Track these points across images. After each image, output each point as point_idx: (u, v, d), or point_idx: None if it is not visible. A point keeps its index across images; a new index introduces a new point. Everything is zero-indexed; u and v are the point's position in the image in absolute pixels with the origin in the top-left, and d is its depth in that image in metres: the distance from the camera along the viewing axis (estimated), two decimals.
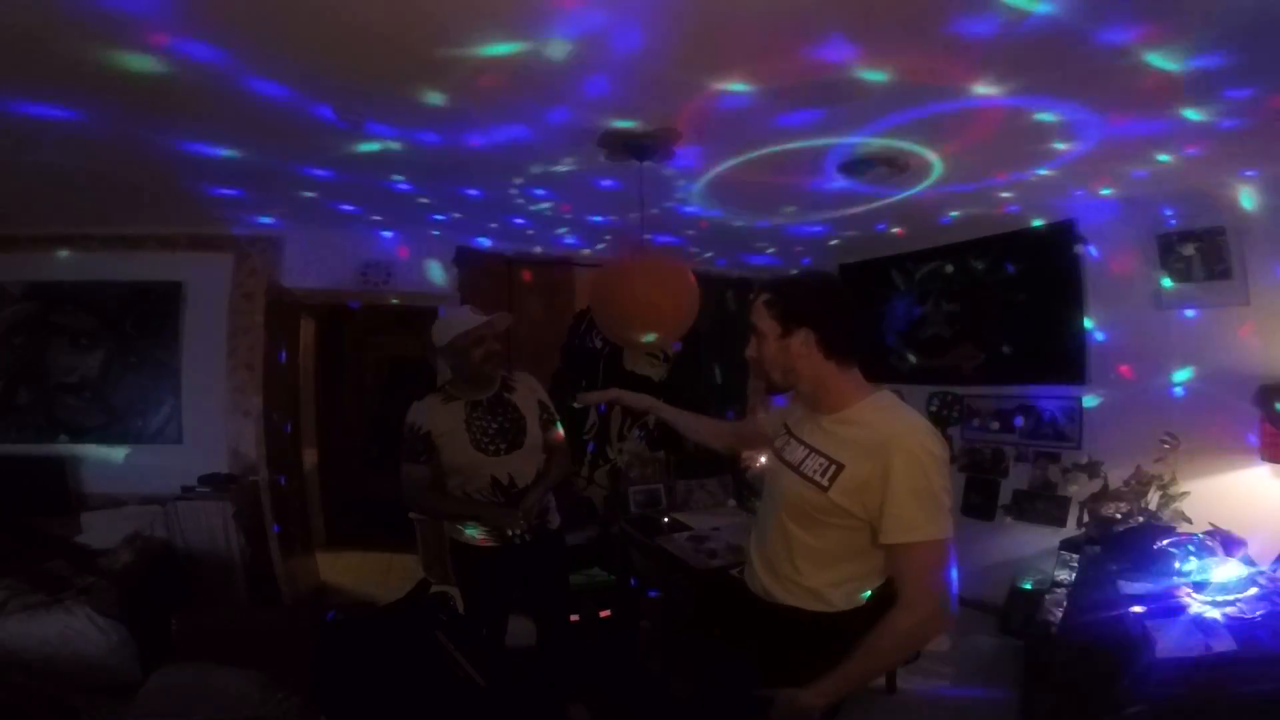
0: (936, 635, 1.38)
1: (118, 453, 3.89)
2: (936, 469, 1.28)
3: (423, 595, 2.54)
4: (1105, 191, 3.26)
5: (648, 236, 3.29)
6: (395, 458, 2.41)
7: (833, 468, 1.36)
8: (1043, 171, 2.95)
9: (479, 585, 2.47)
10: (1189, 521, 2.87)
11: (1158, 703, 1.77)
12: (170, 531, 3.55)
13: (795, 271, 1.59)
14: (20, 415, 3.82)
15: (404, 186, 3.19)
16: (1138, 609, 2.15)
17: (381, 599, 3.78)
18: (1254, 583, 2.25)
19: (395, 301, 4.47)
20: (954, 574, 1.30)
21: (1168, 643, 1.93)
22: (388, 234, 4.25)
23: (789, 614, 1.45)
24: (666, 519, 3.83)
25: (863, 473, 1.31)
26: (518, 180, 3.10)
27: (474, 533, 2.42)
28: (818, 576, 1.42)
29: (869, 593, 1.44)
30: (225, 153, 2.64)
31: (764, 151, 2.66)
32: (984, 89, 2.08)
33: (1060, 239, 3.69)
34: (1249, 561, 2.48)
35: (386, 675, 2.20)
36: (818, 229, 4.24)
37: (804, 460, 1.43)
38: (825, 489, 1.35)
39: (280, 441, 3.93)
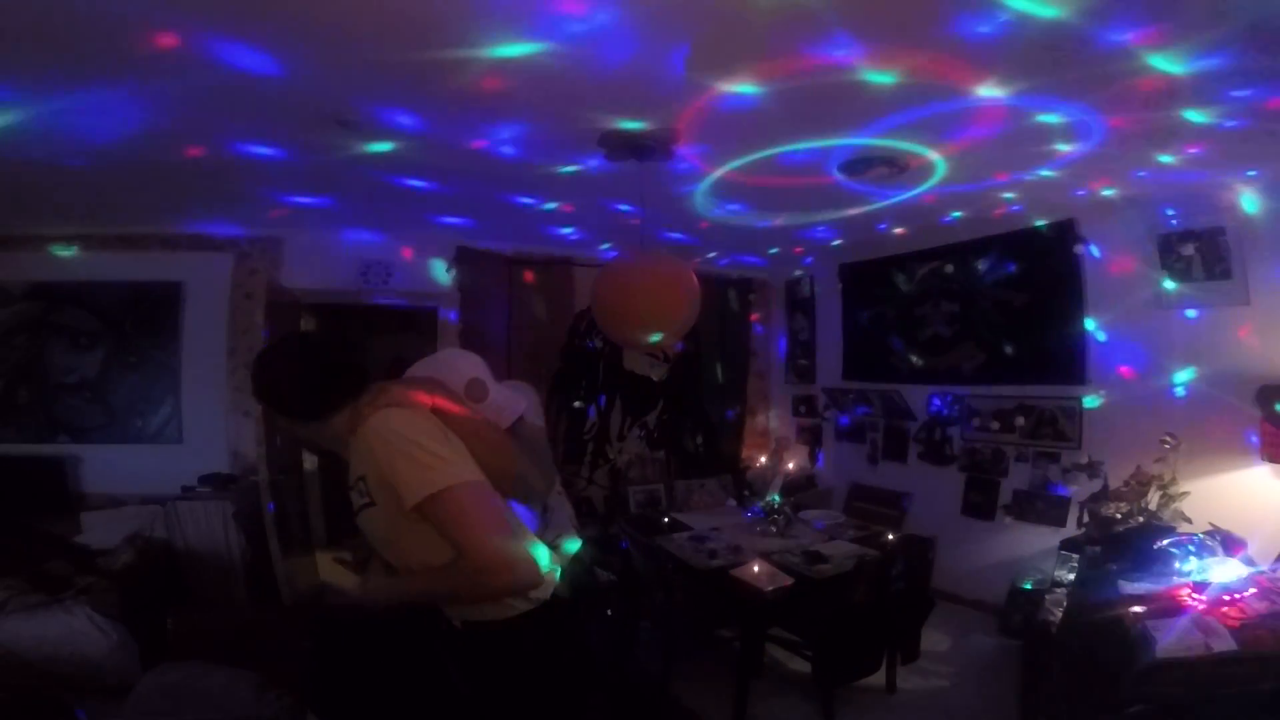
0: (511, 582, 1.34)
1: (118, 453, 3.88)
2: (409, 434, 1.32)
3: None
4: (1106, 191, 3.26)
5: (649, 236, 3.28)
6: None
7: (361, 482, 1.37)
8: (1044, 172, 2.95)
9: None
10: (1189, 521, 2.86)
11: (1158, 703, 1.77)
12: (170, 531, 3.55)
13: (255, 358, 1.49)
14: (20, 415, 3.82)
15: (405, 186, 3.18)
16: (1138, 609, 2.15)
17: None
18: (1254, 583, 2.25)
19: (395, 301, 4.46)
20: (511, 517, 1.39)
21: (1168, 643, 1.93)
22: (388, 234, 4.25)
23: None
24: (666, 519, 3.83)
25: (373, 472, 1.34)
26: (519, 180, 3.09)
27: None
28: None
29: None
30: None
31: (766, 152, 2.66)
32: (987, 90, 2.07)
33: (1061, 239, 3.69)
34: (1249, 561, 2.48)
35: (382, 678, 2.20)
36: (819, 229, 4.24)
37: (353, 492, 1.41)
38: (374, 504, 1.36)
39: (280, 441, 3.91)
